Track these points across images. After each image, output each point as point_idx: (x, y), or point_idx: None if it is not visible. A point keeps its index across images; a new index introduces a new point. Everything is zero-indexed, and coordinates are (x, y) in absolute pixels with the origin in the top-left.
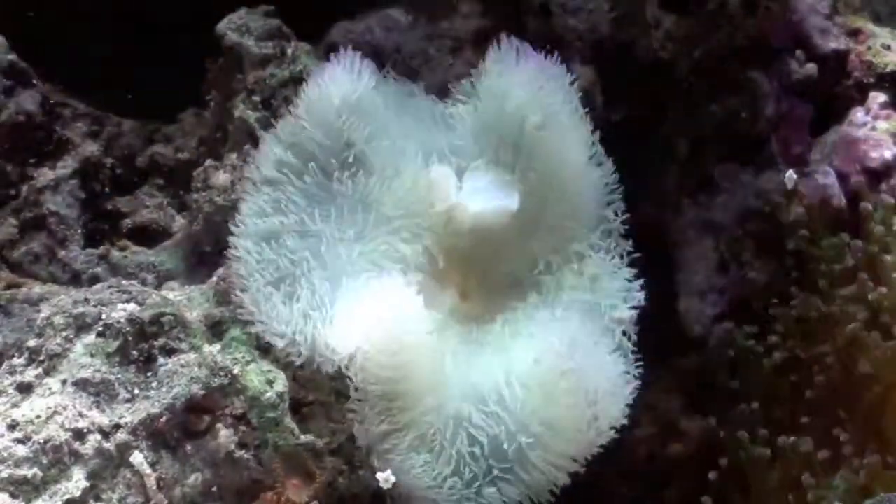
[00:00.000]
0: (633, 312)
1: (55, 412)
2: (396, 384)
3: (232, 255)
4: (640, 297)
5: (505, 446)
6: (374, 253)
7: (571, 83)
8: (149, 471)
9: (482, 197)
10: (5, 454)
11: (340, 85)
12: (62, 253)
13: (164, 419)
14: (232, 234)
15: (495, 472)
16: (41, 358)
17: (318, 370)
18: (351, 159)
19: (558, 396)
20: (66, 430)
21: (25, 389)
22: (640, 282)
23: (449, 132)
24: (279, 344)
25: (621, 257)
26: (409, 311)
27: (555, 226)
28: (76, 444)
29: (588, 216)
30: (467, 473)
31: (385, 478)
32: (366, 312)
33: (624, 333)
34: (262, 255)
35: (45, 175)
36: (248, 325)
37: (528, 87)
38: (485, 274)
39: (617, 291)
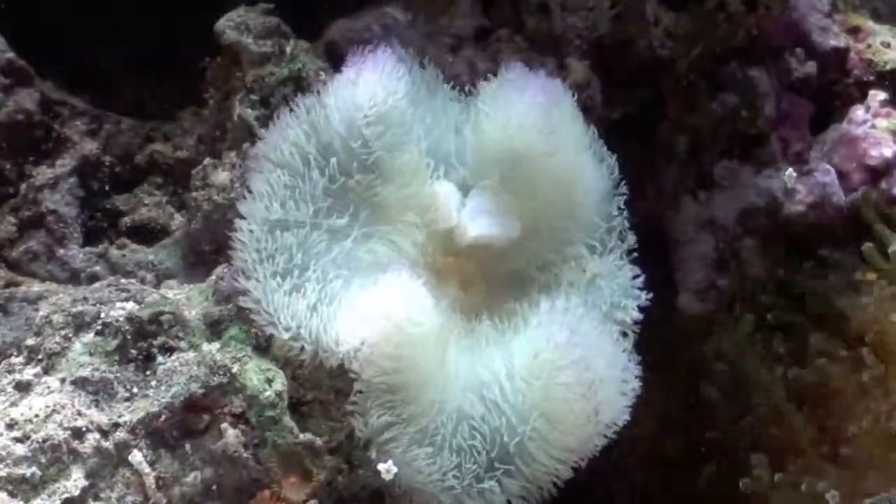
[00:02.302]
0: (636, 312)
1: (54, 411)
2: (400, 376)
3: (238, 241)
4: (642, 295)
5: (506, 439)
6: (380, 251)
7: (574, 100)
8: (148, 470)
9: (483, 221)
10: (4, 453)
11: (374, 94)
12: (61, 251)
13: (163, 418)
14: (240, 217)
15: (496, 465)
16: (40, 356)
17: (319, 367)
18: (370, 163)
19: (558, 390)
20: (65, 428)
21: (24, 388)
22: (642, 281)
23: (461, 141)
24: (284, 336)
25: (623, 257)
26: (414, 304)
27: (558, 227)
28: (75, 443)
29: (590, 217)
30: (468, 467)
31: (386, 468)
32: (372, 306)
33: (624, 333)
34: (271, 244)
35: (43, 173)
36: (247, 323)
37: (531, 116)
38: (487, 272)
39: (618, 290)
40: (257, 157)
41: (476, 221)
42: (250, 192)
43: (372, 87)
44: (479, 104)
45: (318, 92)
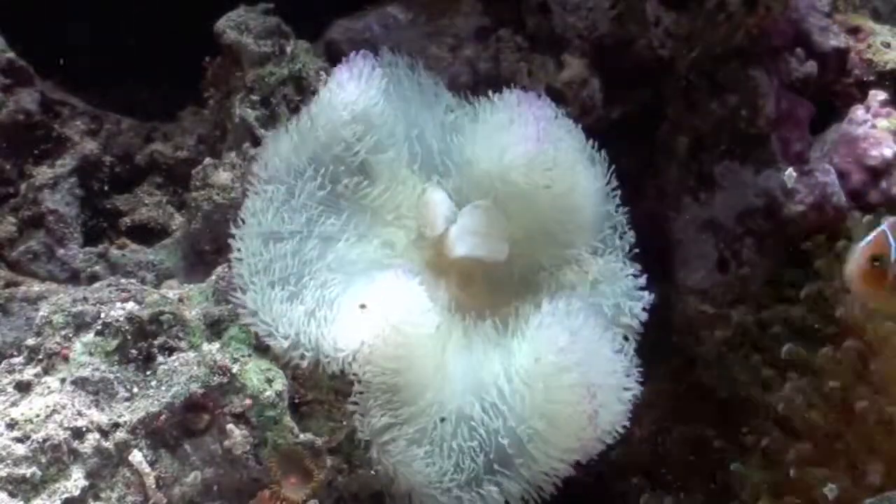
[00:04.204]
0: (640, 313)
1: (54, 411)
2: (400, 376)
3: (234, 256)
4: (645, 297)
5: (505, 441)
6: (376, 252)
7: (564, 115)
8: (148, 469)
9: (470, 241)
10: (4, 453)
11: (348, 94)
12: (61, 251)
13: (163, 418)
14: (234, 232)
15: (496, 466)
16: (40, 356)
17: (319, 369)
18: (356, 166)
19: (558, 391)
20: (65, 428)
21: (24, 388)
22: (644, 281)
23: (454, 149)
24: (283, 345)
25: (625, 258)
26: (412, 304)
27: (557, 231)
28: (75, 443)
29: (590, 219)
30: (468, 468)
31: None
32: (371, 307)
33: (626, 338)
34: (266, 256)
35: (43, 173)
36: (248, 324)
37: (523, 152)
38: (487, 272)
39: (621, 293)
40: (250, 174)
41: (463, 240)
42: (244, 210)
43: (345, 86)
44: (473, 129)
45: (307, 104)
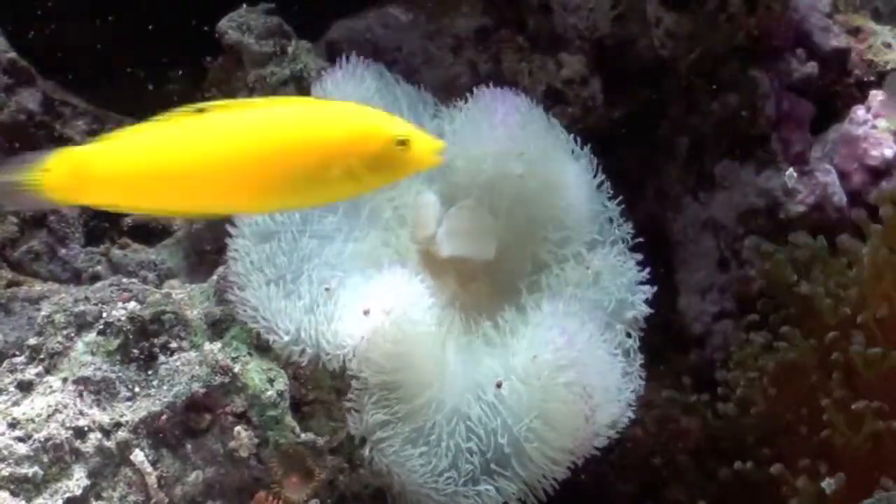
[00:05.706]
0: (642, 310)
1: (56, 410)
2: (398, 374)
3: (230, 254)
4: (646, 290)
5: (502, 441)
6: (374, 249)
7: (542, 110)
8: (150, 469)
9: (456, 242)
10: (6, 452)
11: (343, 92)
12: (63, 251)
13: (164, 417)
14: (230, 231)
15: (493, 466)
16: (42, 356)
17: (320, 368)
18: None
19: (556, 391)
20: (67, 428)
21: (26, 388)
22: (646, 276)
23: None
24: (284, 339)
25: (625, 251)
26: (413, 301)
27: (551, 229)
28: (77, 443)
29: (583, 214)
30: (464, 468)
31: None
32: (370, 303)
33: (628, 334)
34: (262, 254)
35: None
36: (247, 323)
37: (500, 144)
38: (488, 274)
39: (624, 287)
40: None
41: (448, 242)
42: None
43: (340, 85)
44: (451, 131)
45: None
